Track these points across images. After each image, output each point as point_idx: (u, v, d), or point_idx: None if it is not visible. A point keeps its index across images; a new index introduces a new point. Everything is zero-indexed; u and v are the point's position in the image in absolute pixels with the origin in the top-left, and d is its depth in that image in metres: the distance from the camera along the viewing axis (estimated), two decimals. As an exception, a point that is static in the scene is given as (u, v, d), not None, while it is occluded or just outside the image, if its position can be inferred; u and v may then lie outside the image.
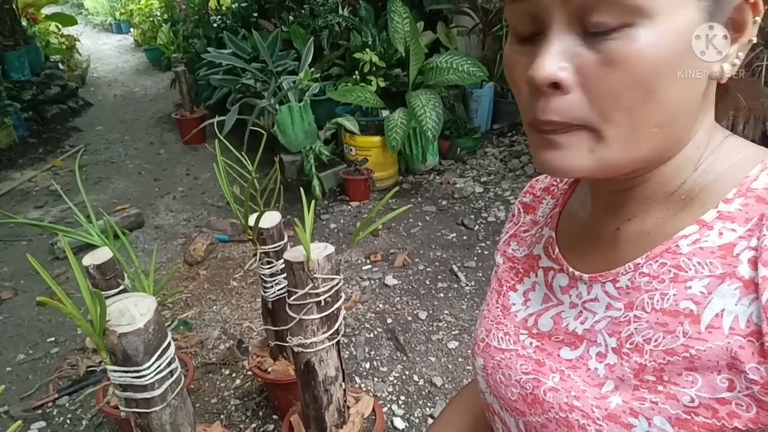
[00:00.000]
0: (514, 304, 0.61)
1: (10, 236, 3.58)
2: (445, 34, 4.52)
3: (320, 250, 1.27)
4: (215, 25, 5.96)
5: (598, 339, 0.50)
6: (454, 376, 2.19)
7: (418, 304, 2.66)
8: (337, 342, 1.37)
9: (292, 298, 1.28)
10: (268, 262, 1.71)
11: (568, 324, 0.54)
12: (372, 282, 2.86)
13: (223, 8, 6.54)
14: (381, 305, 2.67)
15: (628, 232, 0.51)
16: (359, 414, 1.55)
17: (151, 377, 0.98)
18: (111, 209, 3.82)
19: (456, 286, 2.78)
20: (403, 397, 2.11)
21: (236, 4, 5.93)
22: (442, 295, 2.72)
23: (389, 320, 2.56)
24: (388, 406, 2.08)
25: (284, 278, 1.73)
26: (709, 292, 0.42)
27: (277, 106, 3.68)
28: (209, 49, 4.80)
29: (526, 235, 0.66)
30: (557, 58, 0.41)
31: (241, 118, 3.77)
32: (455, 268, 2.89)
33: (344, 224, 3.50)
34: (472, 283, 2.78)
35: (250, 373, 2.19)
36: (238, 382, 2.24)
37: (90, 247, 1.53)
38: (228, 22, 5.72)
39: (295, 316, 1.29)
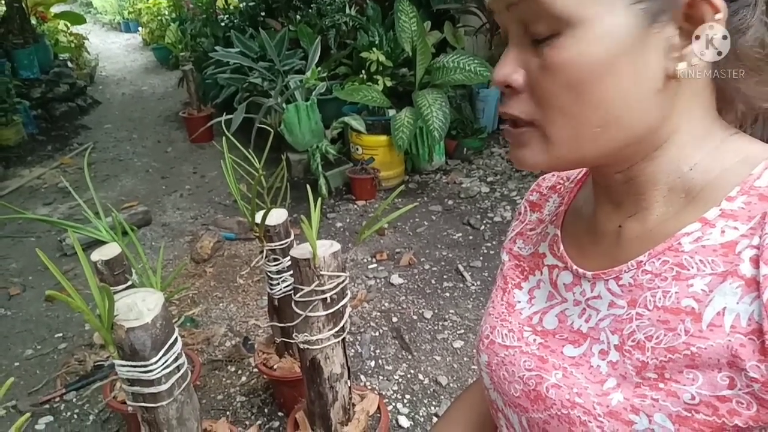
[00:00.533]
0: (519, 302, 0.62)
1: (18, 232, 3.61)
2: (452, 33, 4.51)
3: (326, 248, 1.28)
4: (223, 24, 5.98)
5: (601, 336, 0.50)
6: (459, 375, 2.19)
7: (424, 303, 2.66)
8: (343, 339, 1.38)
9: (298, 295, 1.28)
10: (275, 260, 1.72)
11: (573, 322, 0.54)
12: (378, 281, 2.86)
13: (231, 7, 6.57)
14: (386, 304, 2.68)
15: (630, 229, 0.52)
16: (364, 412, 1.56)
17: (158, 372, 0.98)
18: (119, 207, 3.85)
19: (462, 285, 2.78)
20: (408, 396, 2.12)
21: (244, 4, 5.94)
22: (447, 294, 2.72)
23: (395, 319, 2.56)
24: (393, 404, 2.08)
25: (290, 275, 1.74)
26: (711, 290, 0.42)
27: (284, 105, 3.69)
28: (217, 48, 4.81)
29: (532, 233, 0.66)
30: (511, 63, 0.47)
31: (248, 116, 3.78)
32: (461, 268, 2.89)
33: (350, 223, 3.51)
34: (478, 283, 2.78)
35: (255, 370, 2.19)
36: (243, 378, 2.25)
37: (98, 243, 1.54)
38: (235, 21, 5.73)
39: (301, 313, 1.29)
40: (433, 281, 2.83)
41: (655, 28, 0.42)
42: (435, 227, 3.37)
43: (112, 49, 11.40)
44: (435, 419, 2.01)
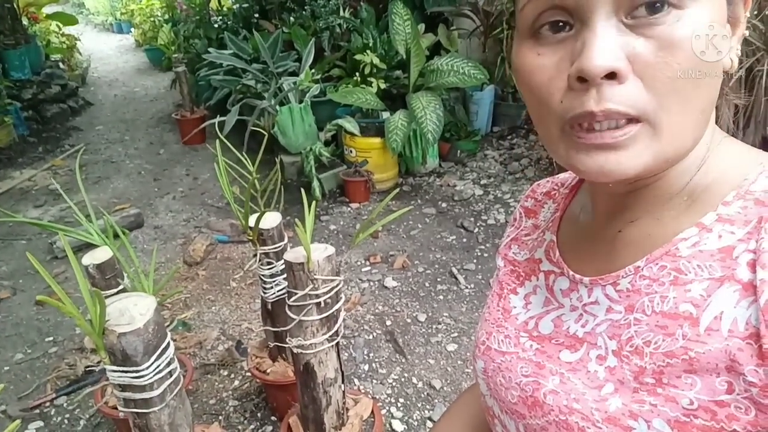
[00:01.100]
0: (515, 307, 0.61)
1: (9, 235, 3.57)
2: (446, 36, 4.52)
3: (320, 251, 1.27)
4: (216, 25, 5.96)
5: (599, 342, 0.50)
6: (453, 379, 2.19)
7: (418, 307, 2.65)
8: (337, 343, 1.37)
9: (291, 299, 1.27)
10: (268, 263, 1.71)
11: (569, 327, 0.54)
12: (371, 284, 2.86)
13: (224, 9, 6.54)
14: (380, 307, 2.67)
15: (629, 234, 0.51)
16: (358, 416, 1.55)
17: (150, 377, 0.97)
18: (110, 209, 3.82)
19: (455, 288, 2.77)
20: (401, 400, 2.11)
21: (237, 5, 5.93)
22: (441, 297, 2.72)
23: (388, 322, 2.55)
24: (387, 408, 2.07)
25: (284, 279, 1.73)
26: (709, 295, 0.42)
27: (277, 107, 3.68)
28: (210, 49, 4.80)
29: (527, 239, 0.66)
30: (609, 46, 0.40)
31: (241, 118, 3.77)
32: (455, 271, 2.89)
33: (344, 226, 3.50)
34: (472, 286, 2.78)
35: (248, 374, 2.18)
36: (236, 383, 2.24)
37: (89, 246, 1.53)
38: (229, 22, 5.72)
39: (294, 317, 1.28)
40: (426, 284, 2.83)
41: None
42: (429, 230, 3.37)
43: (104, 50, 11.34)
44: (429, 423, 2.00)
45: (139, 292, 1.05)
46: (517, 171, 3.98)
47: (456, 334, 2.44)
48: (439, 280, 2.85)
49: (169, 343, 1.02)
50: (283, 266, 1.65)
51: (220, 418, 2.07)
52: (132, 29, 11.62)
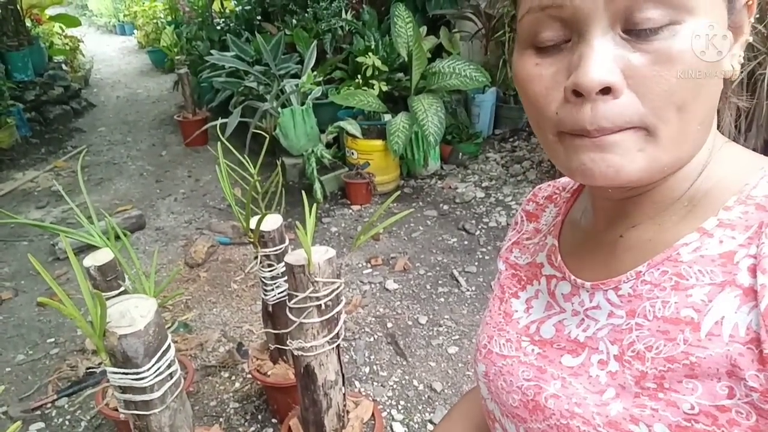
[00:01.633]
0: (516, 311, 0.61)
1: (11, 236, 3.58)
2: (447, 39, 4.53)
3: (321, 254, 1.27)
4: (219, 27, 5.98)
5: (600, 346, 0.50)
6: (454, 382, 2.19)
7: (419, 309, 2.65)
8: (338, 346, 1.37)
9: (292, 302, 1.27)
10: (269, 265, 1.71)
11: (570, 331, 0.54)
12: (372, 286, 2.86)
13: (227, 11, 6.56)
14: (381, 309, 2.67)
15: (630, 239, 0.51)
16: (358, 419, 1.55)
17: (151, 379, 0.97)
18: (112, 210, 3.83)
19: (457, 291, 2.77)
20: (402, 402, 2.11)
21: (240, 8, 5.94)
22: (442, 299, 2.72)
23: (389, 324, 2.55)
24: (388, 410, 2.07)
25: (285, 281, 1.73)
26: (710, 300, 0.42)
27: (279, 109, 3.69)
28: (212, 51, 4.81)
29: (528, 243, 0.66)
30: (605, 61, 0.40)
31: (243, 120, 3.77)
32: (456, 273, 2.89)
33: (345, 228, 3.50)
34: (473, 288, 2.77)
35: (249, 376, 2.18)
36: (237, 385, 2.24)
37: (91, 248, 1.53)
38: (231, 25, 5.73)
39: (295, 319, 1.28)
40: (428, 286, 2.83)
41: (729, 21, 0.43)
42: (430, 232, 3.37)
43: (107, 52, 11.37)
44: (430, 426, 2.00)
45: (140, 294, 1.05)
46: (519, 173, 3.98)
47: (457, 337, 2.44)
48: (440, 282, 2.85)
49: (169, 345, 1.02)
50: (284, 269, 1.66)
51: (221, 420, 2.07)
52: (135, 31, 11.65)
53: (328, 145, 3.91)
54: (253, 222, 1.61)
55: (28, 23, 6.84)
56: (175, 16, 8.12)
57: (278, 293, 1.75)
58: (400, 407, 2.09)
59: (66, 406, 2.16)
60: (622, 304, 0.49)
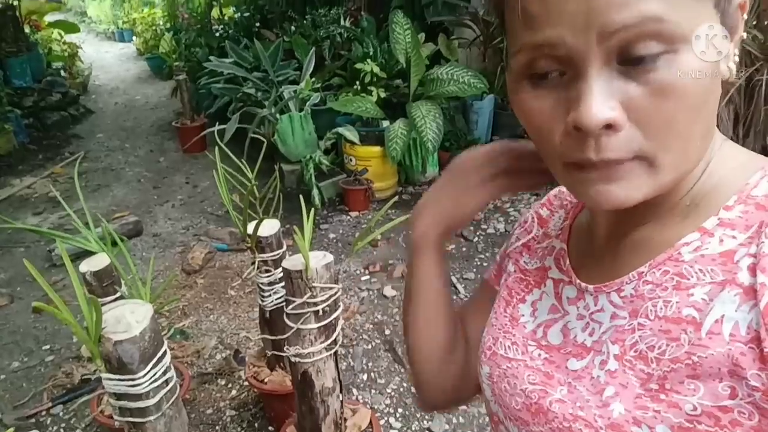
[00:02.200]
0: (523, 315, 0.61)
1: (7, 242, 3.57)
2: (446, 45, 4.54)
3: (319, 259, 1.26)
4: (217, 34, 6.00)
5: (603, 348, 0.50)
6: (453, 389, 2.17)
7: (417, 316, 2.64)
8: (335, 352, 1.36)
9: (290, 308, 1.27)
10: (267, 271, 1.70)
11: (576, 335, 0.54)
12: (370, 293, 2.85)
13: (226, 18, 6.58)
14: (379, 316, 2.66)
15: (633, 240, 0.51)
16: (356, 426, 1.54)
17: (146, 386, 0.96)
18: (110, 216, 3.81)
19: (455, 297, 2.76)
20: (400, 410, 2.09)
21: (239, 14, 5.97)
22: (440, 306, 2.70)
23: (387, 331, 2.54)
24: (386, 418, 2.06)
25: (282, 287, 1.72)
26: (711, 299, 0.42)
27: (277, 116, 3.69)
28: (211, 58, 4.82)
29: (538, 247, 0.66)
30: (604, 98, 0.40)
31: (241, 126, 3.77)
32: (454, 280, 2.88)
33: (343, 234, 3.49)
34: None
35: (246, 383, 2.17)
36: (234, 392, 2.22)
37: (88, 254, 1.52)
38: (230, 31, 5.75)
39: (292, 325, 1.27)
40: (426, 293, 2.81)
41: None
42: (428, 239, 3.35)
43: (105, 59, 11.39)
44: (428, 433, 1.98)
45: (136, 300, 1.04)
46: (517, 180, 3.98)
47: (455, 344, 2.42)
48: (438, 289, 2.84)
49: (165, 352, 1.01)
50: (282, 274, 1.65)
51: (217, 428, 2.05)
52: (134, 38, 11.68)
53: (327, 152, 3.91)
54: (250, 227, 1.60)
55: (27, 29, 6.86)
56: (173, 22, 8.14)
57: (276, 299, 1.74)
58: (398, 415, 2.07)
59: (61, 413, 2.14)
60: (625, 305, 0.49)
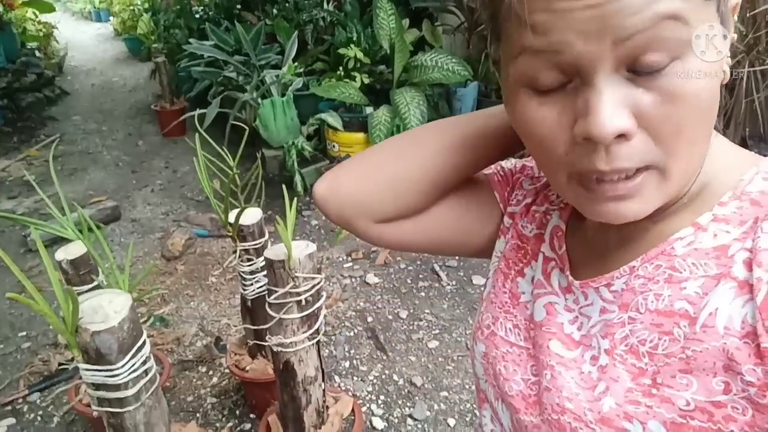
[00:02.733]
0: (524, 293, 0.59)
1: (-19, 227, 3.48)
2: (430, 32, 4.50)
3: (302, 249, 1.25)
4: (197, 16, 5.87)
5: (593, 343, 0.50)
6: (435, 376, 2.19)
7: (399, 303, 2.65)
8: (317, 342, 1.35)
9: (272, 297, 1.25)
10: (248, 260, 1.68)
11: (564, 325, 0.53)
12: (353, 280, 2.84)
13: (206, -1, 6.44)
14: (362, 304, 2.65)
15: (626, 235, 0.51)
16: (338, 414, 1.54)
17: (125, 376, 0.95)
18: (87, 201, 3.74)
19: (437, 285, 2.77)
20: (382, 397, 2.10)
21: (219, -4, 5.84)
22: (423, 294, 2.71)
23: (370, 319, 2.54)
24: (368, 405, 2.06)
25: (264, 276, 1.70)
26: (705, 293, 0.42)
27: (259, 100, 3.63)
28: (191, 40, 4.72)
29: (536, 211, 0.63)
30: (615, 107, 0.39)
31: (222, 111, 3.71)
32: (437, 267, 2.89)
33: (326, 221, 3.47)
34: (454, 283, 2.78)
35: (227, 371, 2.15)
36: (215, 380, 2.21)
37: (65, 240, 1.48)
38: (210, 13, 5.63)
39: (275, 315, 1.26)
40: (408, 280, 2.82)
41: None
42: (411, 226, 3.35)
43: (82, 39, 11.12)
44: (410, 420, 2.00)
45: (114, 289, 1.02)
46: (500, 168, 3.99)
47: (437, 331, 2.44)
48: (420, 276, 2.85)
49: (144, 342, 0.99)
50: (264, 263, 1.63)
51: (198, 415, 2.04)
52: (111, 18, 11.41)
53: (309, 138, 3.87)
54: (232, 215, 1.58)
55: (0, 9, 6.64)
56: (152, 3, 7.94)
57: (257, 288, 1.72)
58: (380, 402, 2.08)
59: (38, 401, 2.11)
60: (615, 299, 0.49)
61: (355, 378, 2.20)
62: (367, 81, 3.89)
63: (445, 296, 2.68)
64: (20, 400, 2.11)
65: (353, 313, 2.59)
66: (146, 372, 1.00)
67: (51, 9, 7.77)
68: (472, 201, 0.66)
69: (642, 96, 0.40)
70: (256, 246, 1.67)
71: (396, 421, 2.00)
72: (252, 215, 1.66)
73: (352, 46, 3.91)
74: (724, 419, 0.39)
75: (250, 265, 1.69)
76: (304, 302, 1.26)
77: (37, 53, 7.12)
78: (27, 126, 5.53)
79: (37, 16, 7.86)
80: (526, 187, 0.66)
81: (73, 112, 6.10)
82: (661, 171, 0.42)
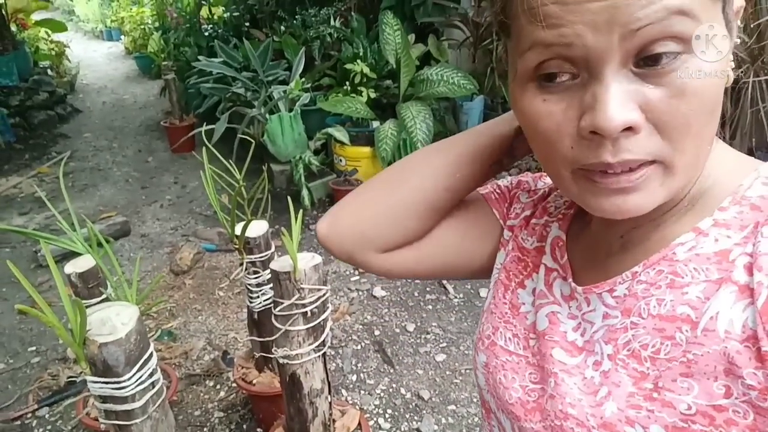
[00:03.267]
0: (524, 304, 0.60)
1: (-8, 243, 3.52)
2: (436, 46, 4.54)
3: (307, 260, 1.26)
4: (206, 33, 5.95)
5: (596, 348, 0.50)
6: (442, 389, 2.18)
7: (406, 316, 2.64)
8: (324, 354, 1.36)
9: (278, 309, 1.26)
10: (255, 272, 1.69)
11: (567, 333, 0.53)
12: (360, 293, 2.84)
13: (215, 17, 6.53)
14: (369, 317, 2.65)
15: (630, 240, 0.51)
16: (345, 428, 1.53)
17: (132, 389, 0.95)
18: (97, 217, 3.78)
19: (444, 298, 2.77)
20: (389, 411, 2.09)
21: (228, 14, 5.93)
22: (430, 307, 2.71)
23: (377, 332, 2.54)
24: (375, 419, 2.05)
25: (271, 288, 1.71)
26: (707, 298, 0.42)
27: (267, 116, 3.67)
28: (200, 57, 4.78)
29: (536, 223, 0.63)
30: (623, 101, 0.40)
31: (230, 126, 3.75)
32: (444, 281, 2.88)
33: (333, 235, 3.48)
34: (461, 296, 2.77)
35: (234, 384, 2.15)
36: (222, 393, 2.21)
37: (74, 254, 1.50)
38: (219, 31, 5.71)
39: (281, 327, 1.27)
40: (415, 294, 2.82)
41: None
42: (418, 239, 3.36)
43: (93, 58, 11.28)
44: (417, 434, 1.98)
45: (122, 302, 1.03)
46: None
47: (445, 345, 2.43)
48: (428, 289, 2.85)
49: (152, 354, 1.00)
50: (270, 275, 1.64)
51: (205, 429, 2.04)
52: (122, 37, 11.57)
53: (316, 152, 3.90)
54: (238, 228, 1.59)
55: (14, 28, 6.78)
56: (162, 21, 8.06)
57: (264, 300, 1.73)
58: (387, 416, 2.07)
59: (47, 416, 2.12)
60: (617, 304, 0.49)
61: (363, 391, 2.19)
62: (373, 95, 3.92)
63: (453, 309, 2.67)
64: (29, 415, 2.12)
65: (360, 327, 2.58)
66: (153, 384, 1.01)
67: (63, 28, 7.92)
68: (472, 221, 0.67)
69: (650, 91, 0.40)
70: (263, 258, 1.68)
71: (403, 435, 1.99)
72: (258, 228, 1.67)
73: (358, 61, 3.95)
74: (725, 423, 0.39)
75: (256, 278, 1.70)
76: (309, 314, 1.26)
77: (50, 72, 7.24)
78: (39, 143, 5.61)
79: (49, 36, 8.01)
80: (523, 200, 0.67)
81: (85, 130, 6.18)
82: (666, 165, 0.42)
